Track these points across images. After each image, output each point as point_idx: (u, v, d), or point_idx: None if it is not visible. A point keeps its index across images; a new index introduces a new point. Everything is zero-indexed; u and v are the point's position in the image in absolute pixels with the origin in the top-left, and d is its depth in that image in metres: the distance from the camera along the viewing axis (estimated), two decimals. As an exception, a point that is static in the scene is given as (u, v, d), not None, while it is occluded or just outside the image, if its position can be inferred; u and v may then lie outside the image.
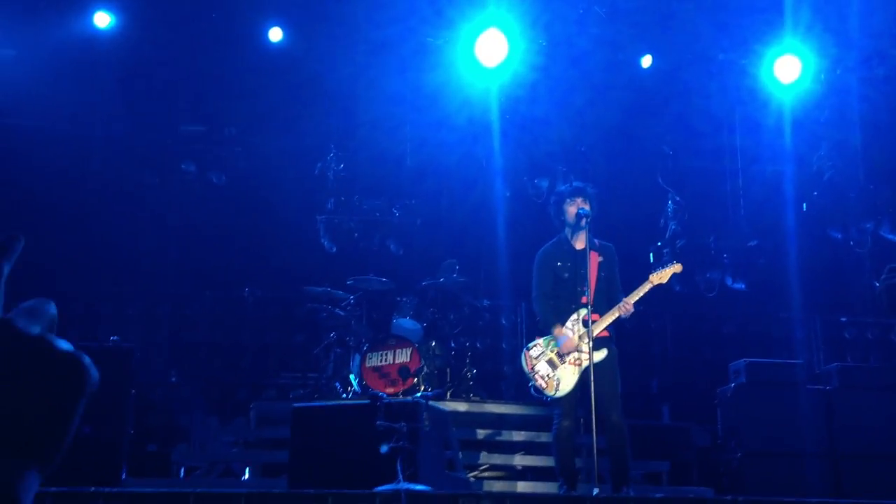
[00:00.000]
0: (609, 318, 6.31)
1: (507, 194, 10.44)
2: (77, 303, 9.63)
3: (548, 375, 6.30)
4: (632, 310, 6.30)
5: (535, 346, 6.42)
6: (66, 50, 9.18)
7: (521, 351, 6.57)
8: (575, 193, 6.52)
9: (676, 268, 6.47)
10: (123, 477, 6.72)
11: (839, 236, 10.54)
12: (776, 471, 7.54)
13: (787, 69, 9.70)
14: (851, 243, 10.48)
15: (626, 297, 6.35)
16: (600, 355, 6.23)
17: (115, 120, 10.00)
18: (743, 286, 10.45)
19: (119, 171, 10.03)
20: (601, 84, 9.93)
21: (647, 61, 9.90)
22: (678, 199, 10.25)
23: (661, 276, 6.41)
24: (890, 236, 10.27)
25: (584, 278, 6.31)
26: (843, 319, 10.28)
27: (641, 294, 6.37)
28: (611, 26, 9.47)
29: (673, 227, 10.13)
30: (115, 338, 7.18)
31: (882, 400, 7.91)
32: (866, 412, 7.84)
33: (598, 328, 6.28)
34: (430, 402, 6.17)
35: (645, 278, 6.39)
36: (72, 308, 9.47)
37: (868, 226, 10.38)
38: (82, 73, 9.46)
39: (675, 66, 10.02)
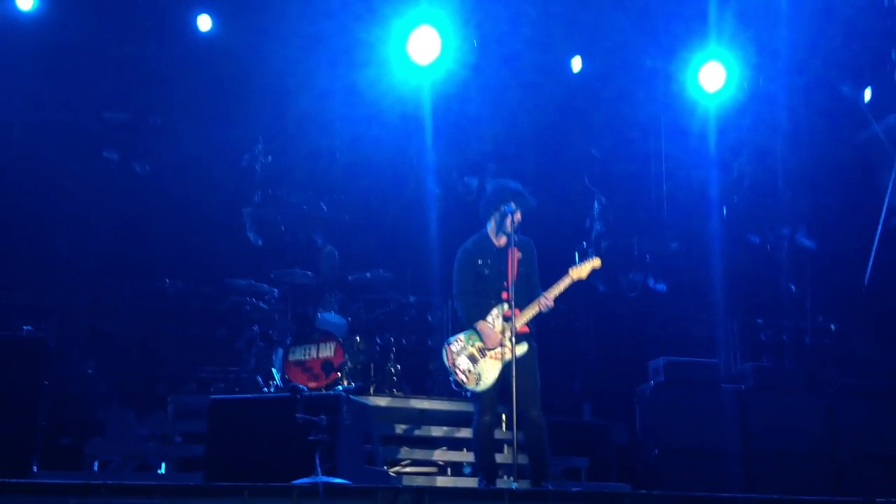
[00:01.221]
0: (529, 314, 6.37)
1: (437, 192, 10.46)
2: (-10, 291, 9.36)
3: (469, 370, 6.34)
4: (551, 304, 6.37)
5: (455, 340, 6.44)
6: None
7: (443, 346, 6.58)
8: (519, 202, 6.53)
9: (595, 262, 6.54)
10: (35, 470, 6.54)
11: (757, 241, 10.82)
12: (692, 468, 7.70)
13: (712, 77, 9.95)
14: (769, 248, 10.77)
15: (545, 291, 6.41)
16: (521, 349, 6.29)
17: (35, 104, 9.71)
18: (664, 287, 10.66)
19: (39, 157, 9.73)
20: (532, 84, 10.03)
21: (576, 64, 10.02)
22: (604, 200, 10.41)
23: (580, 271, 6.49)
24: (805, 242, 10.58)
25: (505, 274, 6.36)
26: (760, 322, 10.55)
27: (561, 289, 6.44)
28: (542, 28, 9.57)
29: (598, 228, 10.29)
30: (28, 327, 6.98)
31: (794, 400, 8.15)
32: (779, 412, 8.06)
33: (518, 323, 6.32)
34: (351, 396, 6.15)
35: (565, 273, 6.46)
36: (-15, 296, 9.19)
37: (785, 231, 10.68)
38: (4, 55, 9.18)
39: (604, 70, 10.18)
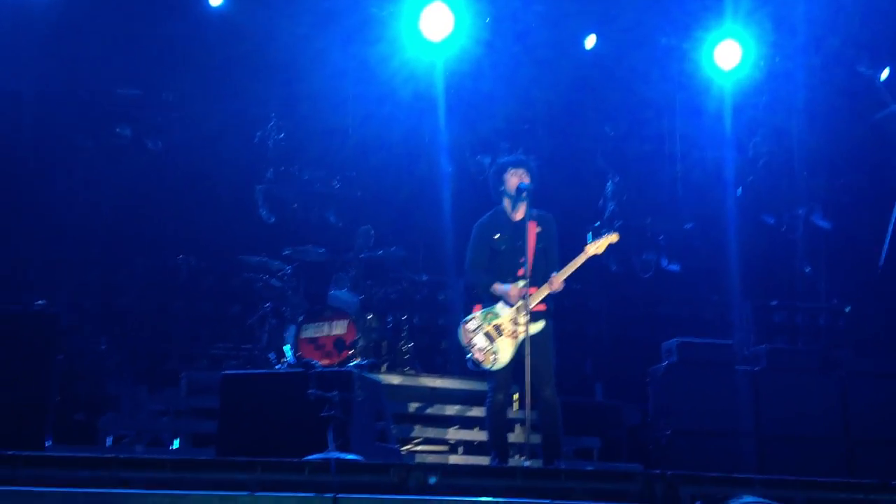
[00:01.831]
0: (544, 292, 6.32)
1: (450, 170, 10.42)
2: (4, 266, 9.37)
3: (485, 349, 6.30)
4: (561, 287, 6.31)
5: (471, 319, 6.39)
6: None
7: (459, 326, 6.55)
8: (518, 165, 6.48)
9: (612, 237, 6.48)
10: (48, 444, 6.57)
11: (772, 221, 10.75)
12: (704, 448, 7.68)
13: (728, 55, 9.84)
14: (783, 229, 10.69)
15: (562, 268, 6.36)
16: (537, 327, 6.24)
17: (47, 80, 9.70)
18: (678, 268, 10.61)
19: (52, 132, 9.76)
20: (546, 61, 9.96)
21: (590, 41, 9.94)
22: (618, 179, 10.35)
23: (597, 247, 6.43)
24: (821, 223, 10.50)
25: (522, 250, 6.30)
26: (774, 303, 10.48)
27: (578, 265, 6.37)
28: (555, 4, 9.49)
29: (612, 207, 10.23)
30: (41, 302, 6.98)
31: (807, 382, 8.11)
32: (792, 393, 8.02)
33: (535, 301, 6.28)
34: (364, 373, 6.13)
35: (581, 250, 6.42)
36: (-2, 271, 9.22)
37: (800, 212, 10.61)
38: (16, 29, 9.15)
39: (618, 47, 10.08)
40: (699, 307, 10.64)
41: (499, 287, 6.32)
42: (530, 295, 6.23)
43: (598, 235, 6.50)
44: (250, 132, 9.85)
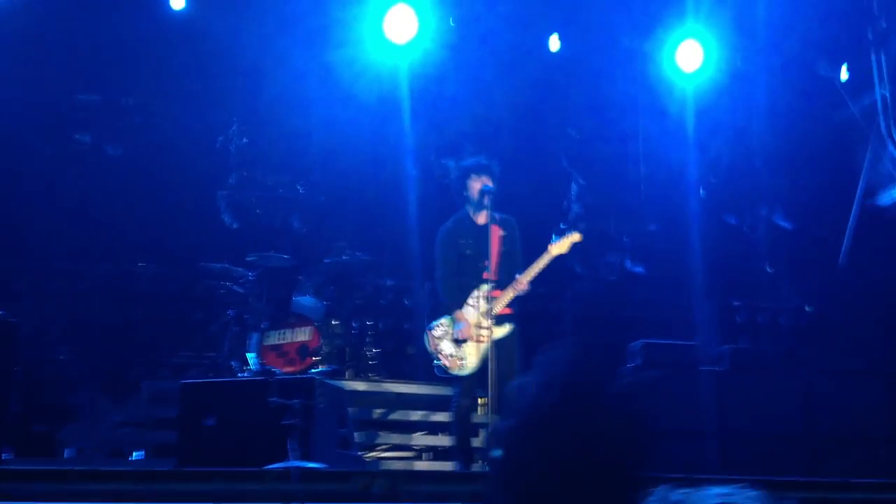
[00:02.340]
0: (510, 294, 6.33)
1: (415, 174, 10.38)
2: (-40, 276, 9.21)
3: (452, 354, 6.30)
4: (526, 288, 6.33)
5: (438, 325, 6.41)
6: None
7: (424, 331, 6.54)
8: (481, 171, 6.50)
9: (575, 237, 6.50)
10: (6, 457, 6.44)
11: (734, 222, 10.81)
12: (668, 449, 7.69)
13: (690, 56, 9.89)
14: (745, 229, 10.76)
15: (526, 270, 6.37)
16: (502, 331, 6.25)
17: (5, 86, 9.53)
18: (642, 269, 10.64)
19: (9, 139, 9.57)
20: (509, 64, 9.96)
21: (554, 43, 9.95)
22: (581, 181, 10.36)
23: (560, 246, 6.44)
24: (782, 223, 10.58)
25: (487, 254, 6.30)
26: (736, 304, 10.54)
27: (542, 266, 6.40)
28: (519, 6, 9.49)
29: (576, 209, 10.24)
30: (0, 312, 6.85)
31: (771, 382, 8.15)
32: (756, 393, 8.06)
33: (500, 305, 6.28)
34: (326, 379, 6.09)
35: (545, 251, 6.42)
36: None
37: (762, 212, 10.68)
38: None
39: (581, 49, 10.11)
40: (663, 308, 10.65)
41: (459, 317, 6.30)
42: (495, 298, 6.24)
43: (560, 235, 6.52)
44: (212, 137, 9.75)
